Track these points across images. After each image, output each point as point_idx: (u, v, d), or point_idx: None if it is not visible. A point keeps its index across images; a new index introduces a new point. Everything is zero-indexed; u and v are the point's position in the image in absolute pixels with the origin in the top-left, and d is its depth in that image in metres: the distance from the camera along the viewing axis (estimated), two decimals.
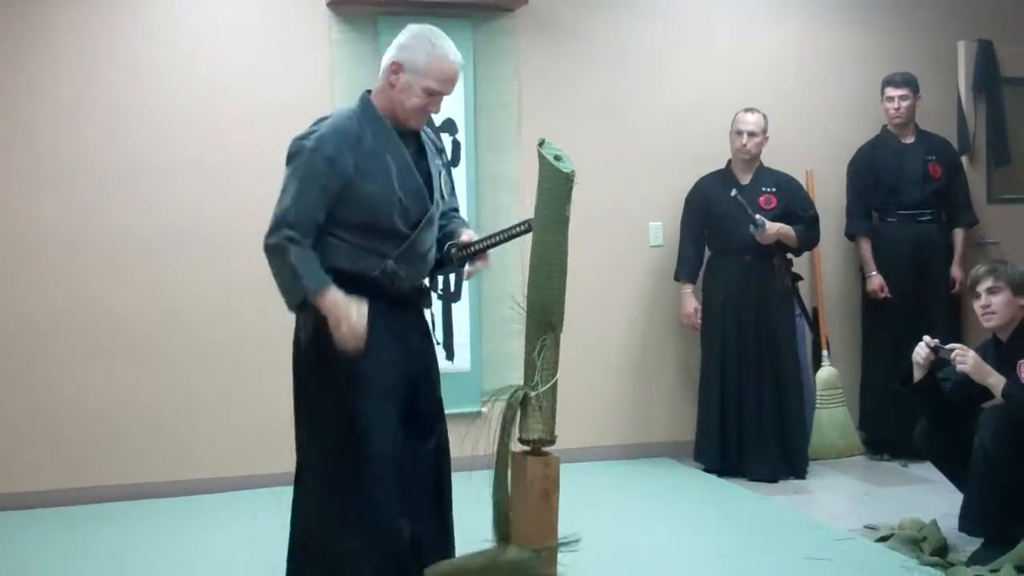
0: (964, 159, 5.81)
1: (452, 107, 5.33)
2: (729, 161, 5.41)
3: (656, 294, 5.67)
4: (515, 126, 5.47)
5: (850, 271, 5.86)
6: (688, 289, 5.47)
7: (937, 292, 5.36)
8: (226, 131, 5.04)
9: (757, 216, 5.13)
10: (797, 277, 5.42)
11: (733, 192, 5.18)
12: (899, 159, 5.58)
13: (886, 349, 5.51)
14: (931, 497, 4.69)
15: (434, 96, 3.02)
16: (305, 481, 3.09)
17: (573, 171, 2.44)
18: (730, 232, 5.28)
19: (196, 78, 5.05)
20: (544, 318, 2.46)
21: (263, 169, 5.04)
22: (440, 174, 3.16)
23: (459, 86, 5.16)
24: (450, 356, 5.36)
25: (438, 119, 5.29)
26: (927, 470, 5.05)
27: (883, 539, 4.15)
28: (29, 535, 4.43)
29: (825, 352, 5.71)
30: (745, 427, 5.25)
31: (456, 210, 3.37)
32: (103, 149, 4.92)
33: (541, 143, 2.48)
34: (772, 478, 5.15)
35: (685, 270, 5.47)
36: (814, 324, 5.70)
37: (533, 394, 2.41)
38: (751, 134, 5.27)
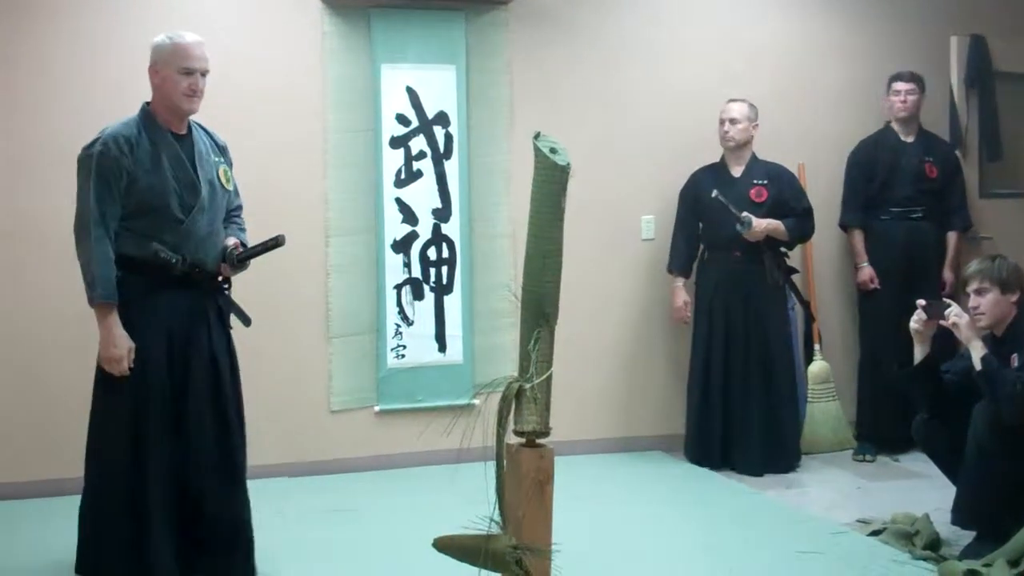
0: (956, 154, 5.81)
1: (444, 100, 5.33)
2: (724, 154, 5.42)
3: (648, 288, 5.67)
4: (507, 119, 5.46)
5: (844, 264, 5.87)
6: (679, 282, 5.47)
7: (927, 290, 5.35)
8: (218, 121, 4.95)
9: (743, 214, 5.13)
10: (792, 270, 5.42)
11: (714, 193, 5.18)
12: (896, 156, 5.59)
13: (877, 344, 5.53)
14: (923, 491, 4.70)
15: (192, 75, 3.54)
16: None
17: (569, 164, 2.42)
18: (720, 227, 5.28)
19: None
20: (539, 310, 2.44)
21: (255, 158, 5.05)
22: (217, 168, 3.69)
23: (452, 79, 5.30)
24: (442, 348, 5.35)
25: (431, 111, 5.29)
26: (919, 464, 5.07)
27: (875, 533, 4.16)
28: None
29: (817, 346, 5.72)
30: (736, 421, 5.26)
31: (239, 209, 3.88)
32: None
33: (537, 136, 2.46)
34: (763, 472, 5.16)
35: (676, 263, 5.48)
36: (808, 315, 5.70)
37: (528, 386, 2.40)
38: (732, 121, 5.29)
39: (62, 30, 4.90)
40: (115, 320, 3.43)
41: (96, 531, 3.54)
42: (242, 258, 3.70)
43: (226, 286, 3.76)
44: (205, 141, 3.72)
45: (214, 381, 3.62)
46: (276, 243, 3.67)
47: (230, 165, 3.81)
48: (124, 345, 3.42)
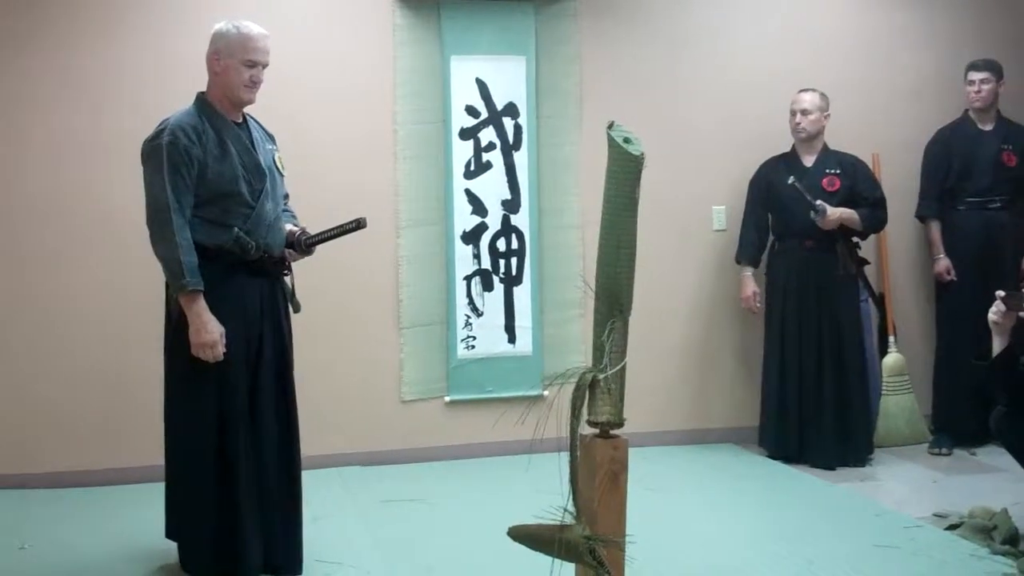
0: None
1: (514, 91, 5.34)
2: (795, 144, 5.36)
3: (719, 279, 5.63)
4: (577, 110, 5.45)
5: (921, 255, 5.77)
6: (748, 272, 5.43)
7: (1006, 281, 5.23)
8: (289, 114, 5.05)
9: (817, 202, 5.07)
10: (864, 261, 5.35)
11: (791, 180, 5.13)
12: (973, 145, 5.48)
13: (955, 336, 5.43)
14: (1001, 485, 4.62)
15: (255, 67, 3.53)
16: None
17: (642, 154, 2.41)
18: (792, 217, 5.23)
19: None
20: (613, 301, 2.44)
21: (326, 150, 5.11)
22: (273, 156, 3.70)
23: (521, 70, 5.29)
24: (511, 339, 5.37)
25: (500, 102, 5.30)
26: (996, 458, 4.98)
27: (952, 527, 4.09)
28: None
29: (892, 338, 5.63)
30: (809, 413, 5.20)
31: (286, 197, 3.85)
32: None
33: (611, 126, 2.46)
34: (837, 464, 5.10)
35: (745, 253, 5.44)
36: (881, 308, 5.62)
37: (602, 377, 2.40)
38: (804, 112, 5.23)
39: (127, 23, 4.97)
40: (204, 306, 3.38)
41: (189, 525, 3.55)
42: (312, 242, 3.72)
43: (286, 272, 3.74)
44: (257, 129, 3.72)
45: (281, 371, 3.64)
46: (358, 225, 3.67)
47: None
48: (216, 330, 3.39)
